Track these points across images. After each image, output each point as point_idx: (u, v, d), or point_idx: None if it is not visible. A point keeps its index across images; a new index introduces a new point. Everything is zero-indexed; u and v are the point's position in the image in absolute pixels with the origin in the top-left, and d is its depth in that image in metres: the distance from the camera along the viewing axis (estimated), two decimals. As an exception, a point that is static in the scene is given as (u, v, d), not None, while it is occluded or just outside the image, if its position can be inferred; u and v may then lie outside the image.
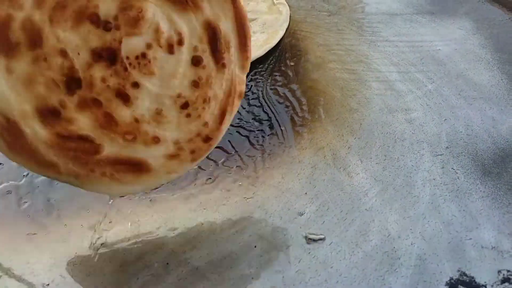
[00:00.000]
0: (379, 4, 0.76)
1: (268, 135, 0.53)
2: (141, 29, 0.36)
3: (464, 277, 0.37)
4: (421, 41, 0.66)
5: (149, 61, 0.36)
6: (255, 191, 0.46)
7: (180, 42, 0.37)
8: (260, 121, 0.55)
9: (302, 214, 0.44)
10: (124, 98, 0.36)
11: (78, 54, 0.34)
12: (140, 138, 0.37)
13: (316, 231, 0.42)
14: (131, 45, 0.36)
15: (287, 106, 0.57)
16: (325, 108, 0.56)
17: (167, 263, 0.41)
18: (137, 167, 0.37)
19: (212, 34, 0.38)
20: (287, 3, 0.77)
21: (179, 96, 0.37)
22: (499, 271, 0.38)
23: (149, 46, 0.36)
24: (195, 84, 0.37)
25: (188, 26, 0.37)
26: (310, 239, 0.41)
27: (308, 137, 0.53)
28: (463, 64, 0.61)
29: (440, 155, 0.48)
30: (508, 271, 0.38)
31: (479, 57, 0.62)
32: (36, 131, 0.34)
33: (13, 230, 0.47)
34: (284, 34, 0.70)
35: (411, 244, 0.40)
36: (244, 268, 0.40)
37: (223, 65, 0.38)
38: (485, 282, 0.37)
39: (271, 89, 0.61)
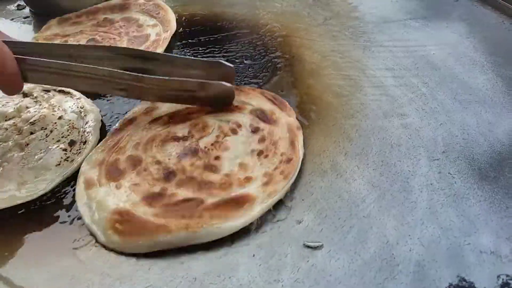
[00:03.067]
0: (373, 10, 0.76)
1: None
2: (208, 131, 0.51)
3: (464, 283, 0.37)
4: (415, 45, 0.66)
5: (222, 143, 0.50)
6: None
7: (239, 126, 0.52)
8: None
9: (300, 222, 0.44)
10: (211, 168, 0.47)
11: (169, 159, 0.48)
12: (234, 183, 0.45)
13: (315, 239, 0.42)
14: (205, 141, 0.50)
15: (283, 113, 0.57)
16: (321, 115, 0.56)
17: (166, 274, 0.41)
18: (241, 200, 0.43)
19: (260, 113, 0.53)
20: (284, 10, 0.77)
21: (252, 151, 0.49)
22: (498, 276, 0.38)
23: (218, 137, 0.51)
24: (261, 139, 0.50)
25: (240, 118, 0.53)
26: (308, 247, 0.41)
27: (305, 143, 0.53)
28: (457, 68, 0.61)
29: (437, 159, 0.48)
30: (507, 275, 0.38)
31: (473, 60, 0.62)
32: (145, 210, 0.43)
33: (12, 244, 0.46)
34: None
35: (410, 250, 0.40)
36: (243, 277, 0.40)
37: (276, 122, 0.52)
38: (484, 287, 0.37)
39: (267, 96, 0.61)
